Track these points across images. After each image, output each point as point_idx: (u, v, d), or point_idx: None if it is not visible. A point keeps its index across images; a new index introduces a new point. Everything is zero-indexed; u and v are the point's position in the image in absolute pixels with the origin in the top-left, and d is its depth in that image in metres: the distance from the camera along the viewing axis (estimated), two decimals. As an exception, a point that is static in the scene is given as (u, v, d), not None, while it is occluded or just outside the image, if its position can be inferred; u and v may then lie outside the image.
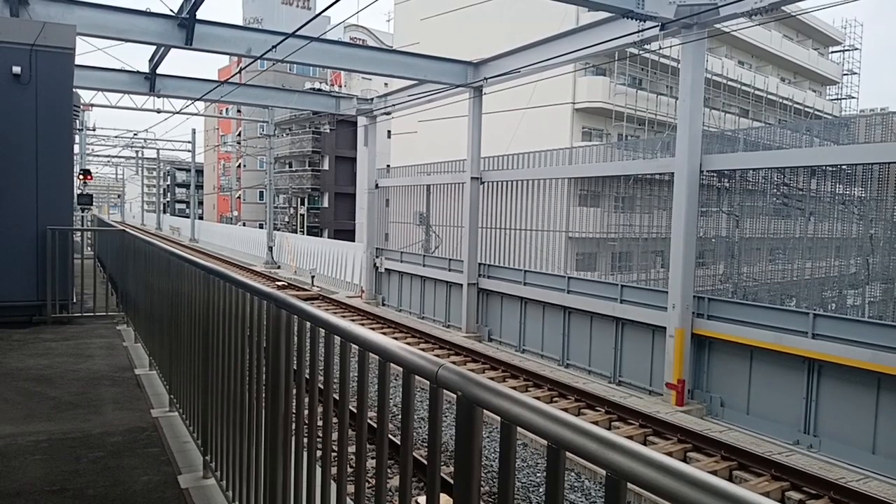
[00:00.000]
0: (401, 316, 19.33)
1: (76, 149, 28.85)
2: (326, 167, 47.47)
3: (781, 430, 10.39)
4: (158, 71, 17.65)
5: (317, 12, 12.38)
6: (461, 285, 17.56)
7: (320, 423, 2.16)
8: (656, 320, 12.18)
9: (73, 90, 9.07)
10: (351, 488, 1.94)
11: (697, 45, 11.41)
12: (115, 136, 48.51)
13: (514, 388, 11.22)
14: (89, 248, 12.01)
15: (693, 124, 11.56)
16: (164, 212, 76.41)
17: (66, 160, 8.00)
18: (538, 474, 8.07)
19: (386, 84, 29.46)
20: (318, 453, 2.15)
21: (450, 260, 18.72)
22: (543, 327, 15.32)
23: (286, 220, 49.01)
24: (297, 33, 12.65)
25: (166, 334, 4.64)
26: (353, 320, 14.73)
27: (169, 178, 77.78)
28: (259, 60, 14.63)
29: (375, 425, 1.79)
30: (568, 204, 15.96)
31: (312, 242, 31.12)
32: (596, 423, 9.22)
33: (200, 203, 68.10)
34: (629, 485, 1.02)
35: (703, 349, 11.67)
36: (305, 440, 2.30)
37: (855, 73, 40.93)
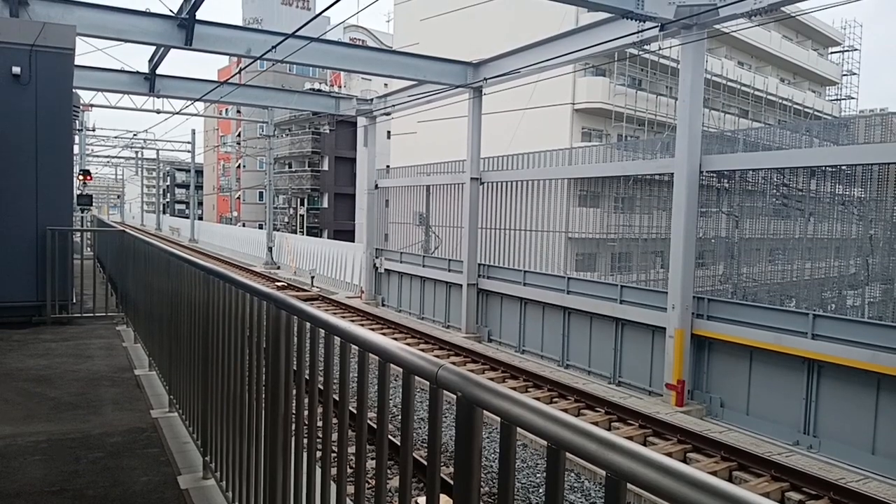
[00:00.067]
0: (400, 316, 19.32)
1: (76, 149, 28.84)
2: (326, 168, 47.47)
3: (781, 431, 10.39)
4: (158, 71, 17.65)
5: (316, 13, 12.38)
6: (461, 286, 17.56)
7: (320, 423, 2.16)
8: (656, 321, 12.19)
9: (73, 90, 9.08)
10: (351, 489, 1.94)
11: (697, 45, 11.41)
12: (115, 137, 48.60)
13: (514, 388, 11.23)
14: (89, 249, 12.00)
15: (693, 125, 11.56)
16: (164, 212, 76.42)
17: (65, 160, 7.99)
18: (538, 475, 8.07)
19: (386, 84, 29.46)
20: (318, 454, 2.15)
21: (449, 260, 18.72)
22: (543, 328, 15.32)
23: (286, 220, 49.01)
24: (297, 34, 12.65)
25: (166, 335, 4.64)
26: (352, 321, 14.75)
27: (168, 178, 77.78)
28: (259, 61, 14.63)
29: (375, 426, 1.79)
30: (567, 204, 15.97)
31: (312, 243, 31.12)
32: (596, 423, 9.20)
33: (200, 203, 68.10)
34: (629, 485, 1.02)
35: (702, 350, 11.67)
36: (305, 441, 2.30)
37: (854, 74, 40.99)
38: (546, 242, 16.31)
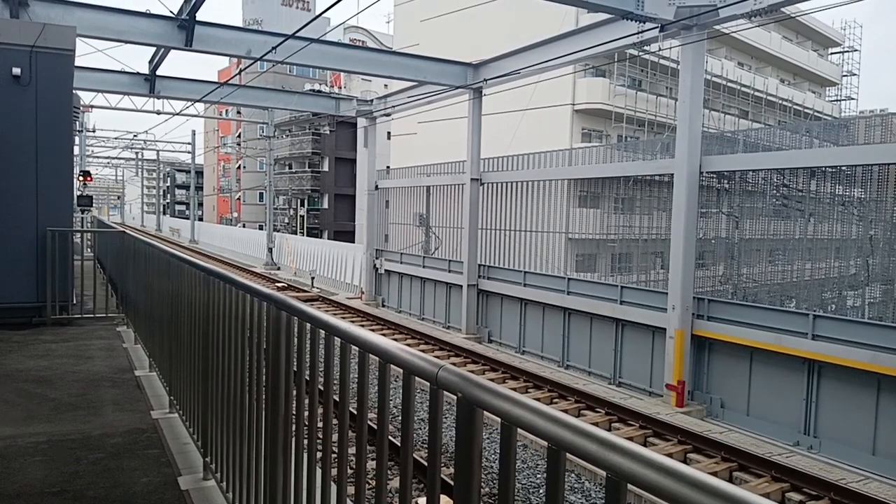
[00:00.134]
0: (401, 317, 19.32)
1: (76, 150, 28.86)
2: (326, 168, 47.47)
3: (781, 432, 10.39)
4: (158, 72, 17.66)
5: (316, 14, 12.38)
6: (461, 286, 17.56)
7: (320, 424, 2.16)
8: (656, 321, 12.18)
9: (73, 92, 9.07)
10: (351, 490, 1.94)
11: (697, 46, 11.42)
12: (115, 138, 48.57)
13: (515, 389, 11.22)
14: (89, 250, 12.01)
15: (693, 125, 11.56)
16: (164, 213, 76.42)
17: (65, 161, 7.99)
18: (538, 476, 8.07)
19: (386, 85, 29.47)
20: (319, 455, 2.15)
21: (450, 261, 18.72)
22: (543, 328, 15.32)
23: (286, 221, 49.00)
24: (297, 35, 12.66)
25: (166, 336, 4.64)
26: (352, 321, 14.72)
27: (169, 179, 77.80)
28: (259, 62, 14.64)
29: (376, 427, 1.79)
30: (568, 205, 15.97)
31: (312, 244, 31.12)
32: (596, 424, 9.22)
33: (200, 204, 68.11)
34: (630, 486, 1.02)
35: (703, 350, 11.67)
36: (306, 441, 2.30)
37: (854, 75, 40.99)
38: (546, 243, 16.31)
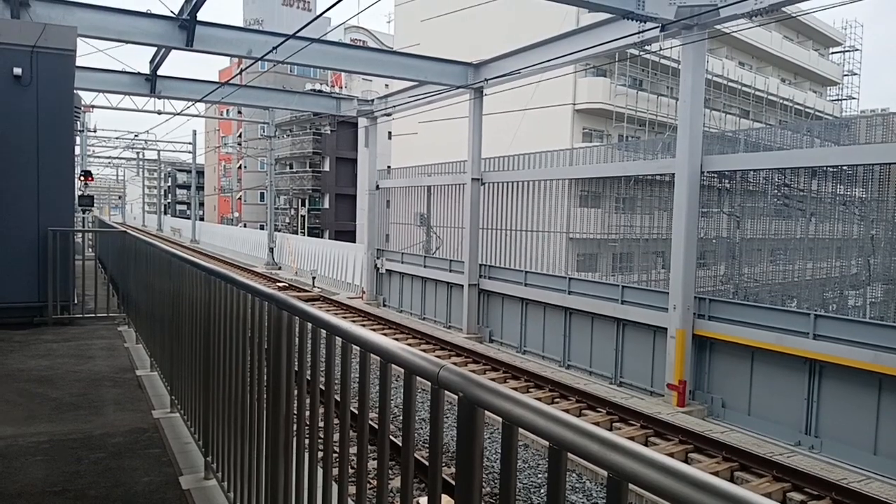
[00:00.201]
0: (402, 317, 19.32)
1: (77, 150, 28.90)
2: (327, 168, 47.48)
3: (783, 431, 10.38)
4: (159, 72, 17.67)
5: (317, 14, 12.39)
6: (462, 286, 17.56)
7: (321, 424, 2.16)
8: (657, 321, 12.18)
9: (74, 92, 9.08)
10: (352, 489, 1.94)
11: (698, 46, 11.41)
12: (116, 138, 48.61)
13: (516, 389, 11.22)
14: (90, 250, 12.02)
15: (694, 125, 11.56)
16: (165, 213, 76.46)
17: (67, 161, 8.00)
18: (540, 475, 8.07)
19: (387, 85, 29.48)
20: (320, 454, 2.15)
21: (451, 261, 18.72)
22: (544, 328, 15.32)
23: (287, 221, 49.01)
24: (298, 35, 12.66)
25: (167, 335, 4.64)
26: (354, 321, 14.73)
27: (170, 179, 77.85)
28: (260, 62, 14.64)
29: (377, 426, 1.79)
30: (569, 205, 15.97)
31: (313, 243, 31.13)
32: (597, 424, 9.21)
33: (201, 204, 68.12)
34: (631, 486, 1.02)
35: (704, 350, 11.66)
36: (307, 441, 2.30)
37: (855, 74, 40.94)
38: (547, 243, 16.31)
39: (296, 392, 2.37)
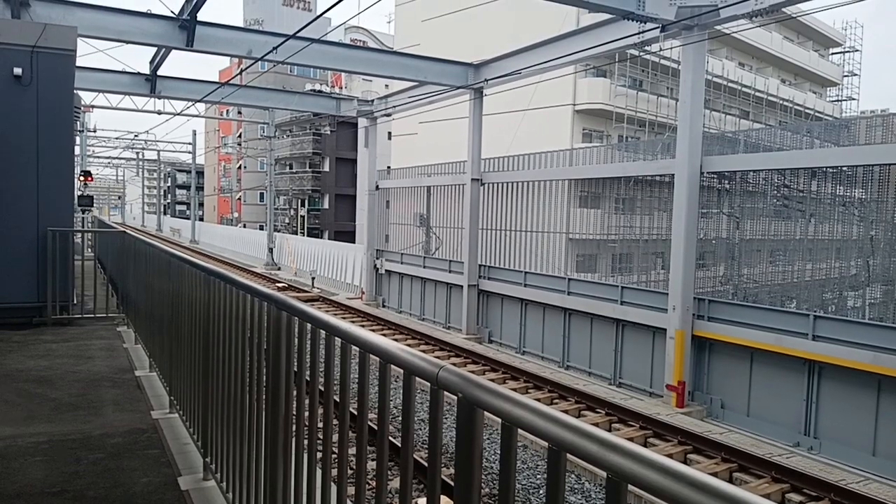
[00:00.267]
0: (401, 317, 19.32)
1: (77, 150, 28.89)
2: (327, 169, 47.49)
3: (782, 432, 10.38)
4: (159, 73, 17.67)
5: (317, 14, 12.39)
6: (461, 287, 17.56)
7: (321, 424, 2.16)
8: (657, 322, 12.18)
9: (74, 92, 9.08)
10: (351, 490, 1.94)
11: (698, 46, 11.42)
12: (116, 138, 48.60)
13: (515, 389, 11.22)
14: (90, 250, 12.01)
15: (693, 126, 11.56)
16: (165, 213, 76.46)
17: (66, 161, 8.00)
18: (539, 476, 8.07)
19: (387, 86, 29.48)
20: (319, 455, 2.15)
21: (450, 261, 18.72)
22: (544, 329, 15.31)
23: (287, 221, 49.01)
24: (298, 35, 12.66)
25: (167, 336, 4.64)
26: (353, 322, 14.72)
27: (169, 179, 77.82)
28: (260, 62, 14.64)
29: (376, 427, 1.79)
30: (568, 205, 15.97)
31: (313, 244, 31.13)
32: (596, 424, 9.21)
33: (201, 204, 68.13)
34: (630, 487, 1.02)
35: (703, 351, 11.66)
36: (306, 442, 2.29)
37: (855, 75, 40.96)
38: (547, 243, 16.31)
39: (295, 393, 2.36)
